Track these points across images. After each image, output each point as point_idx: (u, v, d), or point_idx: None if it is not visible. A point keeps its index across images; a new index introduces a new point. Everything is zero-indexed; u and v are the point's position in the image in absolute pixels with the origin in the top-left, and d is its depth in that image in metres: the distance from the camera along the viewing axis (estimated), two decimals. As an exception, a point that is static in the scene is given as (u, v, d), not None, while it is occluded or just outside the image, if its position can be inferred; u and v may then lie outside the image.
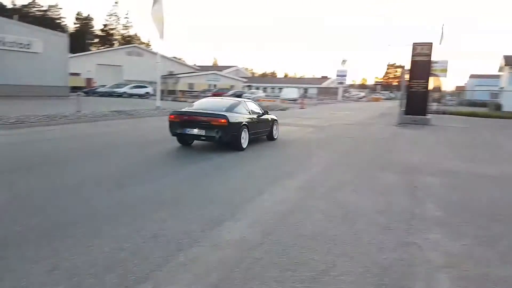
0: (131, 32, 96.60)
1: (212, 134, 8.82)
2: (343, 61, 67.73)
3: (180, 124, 9.15)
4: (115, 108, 19.83)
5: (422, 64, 20.31)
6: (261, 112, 10.86)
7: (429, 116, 20.59)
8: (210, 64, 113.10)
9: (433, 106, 30.27)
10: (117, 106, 21.33)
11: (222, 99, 12.05)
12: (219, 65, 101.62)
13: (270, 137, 11.52)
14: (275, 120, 11.78)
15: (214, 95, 45.75)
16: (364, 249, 3.78)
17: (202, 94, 40.42)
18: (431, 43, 20.67)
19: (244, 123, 9.38)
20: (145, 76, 49.10)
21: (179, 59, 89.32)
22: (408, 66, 21.11)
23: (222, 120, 8.73)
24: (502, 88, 36.34)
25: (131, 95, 41.27)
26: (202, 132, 8.96)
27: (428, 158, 9.44)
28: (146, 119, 17.57)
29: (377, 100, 72.54)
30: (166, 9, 23.01)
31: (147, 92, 43.13)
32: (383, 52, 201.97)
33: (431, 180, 6.97)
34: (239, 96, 46.03)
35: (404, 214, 4.92)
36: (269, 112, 11.77)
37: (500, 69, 38.45)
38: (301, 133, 13.96)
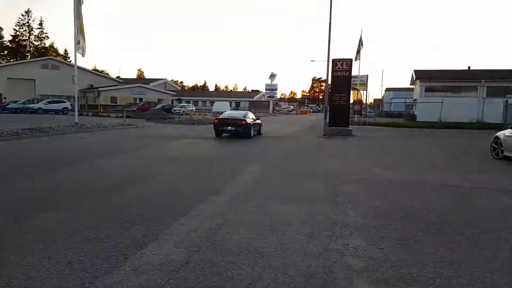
0: (47, 43, 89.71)
1: (238, 129, 16.80)
2: (272, 75, 69.75)
3: (221, 124, 17.21)
4: (28, 125, 18.39)
5: (343, 79, 21.64)
6: (255, 118, 18.57)
7: (351, 127, 21.89)
8: (135, 76, 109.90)
9: (355, 118, 32.29)
10: (31, 123, 19.81)
11: (238, 111, 22.16)
12: (146, 77, 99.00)
13: (259, 133, 19.00)
14: (261, 123, 19.61)
15: (140, 109, 44.27)
16: (289, 259, 3.85)
17: (127, 108, 38.83)
18: (351, 59, 22.17)
19: (251, 123, 17.19)
20: (63, 90, 46.11)
21: (101, 71, 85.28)
22: (330, 80, 22.34)
23: (243, 122, 16.85)
24: (415, 100, 39.82)
25: (47, 111, 38.38)
26: (233, 128, 16.93)
27: (350, 167, 9.97)
28: (64, 137, 16.50)
29: (305, 113, 75.54)
30: (87, 20, 21.92)
31: (65, 108, 40.42)
32: (308, 67, 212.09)
33: (352, 187, 7.35)
34: (168, 110, 45.08)
35: (327, 221, 5.11)
36: (255, 119, 18.59)
37: (412, 82, 42.13)
38: (232, 147, 14.02)
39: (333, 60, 21.48)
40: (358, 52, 36.63)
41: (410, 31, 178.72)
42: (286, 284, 3.32)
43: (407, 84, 49.24)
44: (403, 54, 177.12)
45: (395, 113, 52.02)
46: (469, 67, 40.38)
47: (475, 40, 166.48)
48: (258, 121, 18.77)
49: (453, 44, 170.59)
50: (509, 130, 11.20)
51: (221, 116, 18.09)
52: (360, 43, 36.90)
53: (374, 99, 78.57)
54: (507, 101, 28.26)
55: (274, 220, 5.12)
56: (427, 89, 36.31)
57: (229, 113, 19.48)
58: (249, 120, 17.10)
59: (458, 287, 3.36)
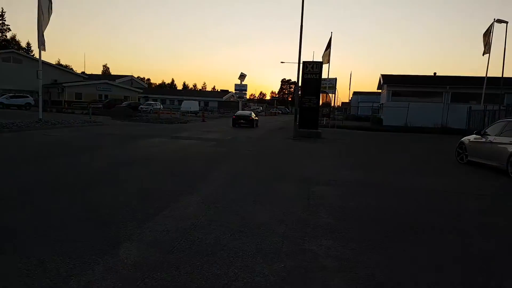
0: (8, 35, 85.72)
1: (247, 122, 27.88)
2: (241, 75, 69.75)
3: (237, 119, 28.21)
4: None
5: (313, 82, 21.94)
6: (255, 115, 29.78)
7: (320, 130, 22.25)
8: (100, 72, 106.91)
9: (323, 120, 32.86)
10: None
11: (245, 111, 33.89)
12: (111, 74, 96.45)
13: (256, 125, 28.86)
14: (257, 119, 30.04)
15: (106, 106, 42.92)
16: (264, 259, 3.89)
17: (94, 105, 37.70)
18: (321, 62, 22.57)
19: (254, 118, 28.66)
20: (25, 85, 44.18)
21: (65, 66, 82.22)
22: (300, 83, 22.61)
23: (251, 117, 28.39)
24: (382, 104, 40.99)
25: (8, 106, 36.77)
26: (243, 121, 27.95)
27: (320, 169, 10.15)
28: (27, 133, 15.84)
29: (274, 114, 76.04)
30: (53, 14, 21.11)
31: (27, 103, 38.82)
32: (278, 68, 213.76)
33: (323, 189, 7.49)
34: (135, 107, 44.09)
35: (300, 222, 5.19)
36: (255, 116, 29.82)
37: (379, 87, 43.34)
38: (202, 147, 13.91)
39: (304, 63, 21.74)
40: (327, 55, 37.24)
41: (378, 37, 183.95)
42: (263, 284, 3.35)
43: (374, 89, 50.72)
44: (371, 59, 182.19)
45: (362, 117, 53.38)
46: (435, 73, 42.08)
47: (440, 47, 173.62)
48: (256, 118, 30.01)
49: (420, 51, 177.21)
50: (473, 135, 11.72)
51: (236, 115, 29.34)
52: (329, 46, 37.53)
53: (342, 103, 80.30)
54: (470, 107, 29.56)
55: (247, 221, 5.14)
56: (394, 94, 37.46)
57: (240, 112, 31.12)
58: (253, 117, 28.89)
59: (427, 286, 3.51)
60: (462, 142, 12.11)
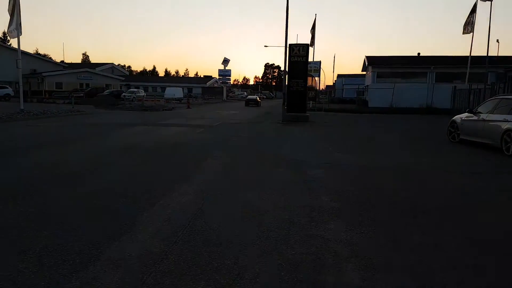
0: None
1: (255, 102, 46.46)
2: (225, 60, 68.91)
3: (248, 101, 48.04)
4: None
5: (300, 64, 21.71)
6: (260, 99, 52.16)
7: (308, 113, 22.15)
8: (80, 61, 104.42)
9: (309, 104, 32.77)
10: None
11: (252, 95, 58.43)
12: (91, 62, 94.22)
13: (260, 105, 46.37)
14: (260, 101, 49.98)
15: (88, 95, 41.88)
16: (274, 247, 3.75)
17: (75, 94, 36.67)
18: (307, 44, 22.27)
19: (258, 100, 48.43)
20: (2, 75, 42.75)
21: (44, 55, 79.91)
22: (285, 67, 22.37)
23: (257, 100, 48.60)
24: (367, 86, 41.06)
25: (-13, 97, 35.65)
26: (252, 102, 46.56)
27: (313, 152, 10.05)
28: (10, 125, 15.29)
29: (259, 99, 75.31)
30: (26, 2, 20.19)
31: (7, 94, 37.65)
32: (261, 52, 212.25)
33: (320, 173, 7.38)
34: (118, 95, 43.15)
35: (304, 208, 5.06)
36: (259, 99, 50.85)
37: (364, 69, 43.32)
38: (192, 134, 13.65)
39: (290, 45, 21.46)
40: (312, 37, 36.92)
41: (361, 19, 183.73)
42: (276, 274, 3.21)
43: (358, 71, 50.79)
44: (354, 41, 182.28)
45: (347, 99, 53.63)
46: (418, 54, 42.17)
47: (423, 28, 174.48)
48: (259, 100, 49.12)
49: (403, 31, 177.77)
50: (466, 114, 11.74)
51: (247, 98, 49.71)
52: (314, 28, 37.18)
53: (327, 86, 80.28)
54: (455, 86, 29.80)
55: (251, 209, 4.99)
56: (379, 75, 37.49)
57: (250, 97, 52.14)
58: (258, 100, 47.70)
59: (440, 273, 3.43)
60: (454, 121, 12.13)
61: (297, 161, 8.56)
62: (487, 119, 10.34)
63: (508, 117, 9.56)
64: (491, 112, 10.32)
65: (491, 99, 11.16)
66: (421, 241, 4.02)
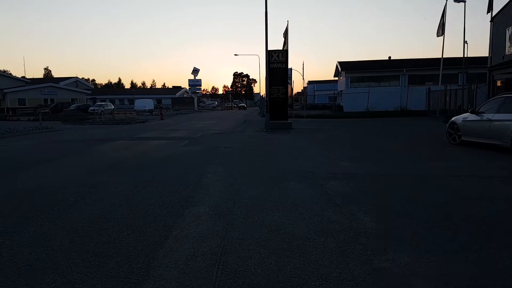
0: None
1: (242, 107, 79.04)
2: (194, 70, 67.85)
3: (240, 107, 78.70)
4: None
5: (280, 71, 21.19)
6: (244, 105, 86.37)
7: (290, 120, 21.59)
8: (42, 76, 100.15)
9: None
10: None
11: (240, 103, 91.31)
12: (54, 76, 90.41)
13: (245, 108, 77.12)
14: (245, 106, 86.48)
15: (54, 110, 39.70)
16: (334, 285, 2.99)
17: (41, 110, 34.58)
18: (286, 50, 21.77)
19: (244, 105, 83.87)
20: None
21: (4, 71, 75.95)
22: (257, 75, 21.85)
23: (243, 106, 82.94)
24: (341, 91, 41.18)
25: None
26: (243, 107, 78.80)
27: (315, 162, 9.38)
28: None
29: (231, 108, 74.90)
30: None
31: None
32: (230, 61, 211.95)
33: (336, 185, 6.68)
34: (85, 110, 41.19)
35: (346, 231, 4.31)
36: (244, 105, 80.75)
37: (337, 74, 43.53)
38: (177, 148, 12.66)
39: (269, 52, 20.87)
40: (284, 44, 36.63)
41: (328, 25, 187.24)
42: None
43: (328, 77, 51.06)
44: (320, 48, 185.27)
45: (319, 105, 53.79)
46: (389, 57, 42.85)
47: (393, 31, 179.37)
48: (244, 105, 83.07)
49: (373, 36, 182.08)
50: (467, 114, 11.39)
51: (239, 105, 79.51)
52: (286, 35, 36.92)
53: (297, 92, 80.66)
54: (429, 88, 30.19)
55: (283, 235, 4.21)
56: (352, 80, 37.70)
57: (240, 104, 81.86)
58: (244, 105, 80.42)
59: None
60: (454, 122, 11.77)
61: (305, 173, 7.84)
62: (493, 119, 10.00)
63: (518, 116, 9.27)
64: (497, 111, 9.99)
65: (493, 99, 10.86)
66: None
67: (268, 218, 4.82)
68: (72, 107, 43.13)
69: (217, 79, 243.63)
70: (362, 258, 3.59)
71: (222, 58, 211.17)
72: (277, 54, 21.21)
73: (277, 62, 21.13)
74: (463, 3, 23.86)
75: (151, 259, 3.60)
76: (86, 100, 58.77)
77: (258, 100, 72.56)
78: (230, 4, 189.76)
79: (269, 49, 20.62)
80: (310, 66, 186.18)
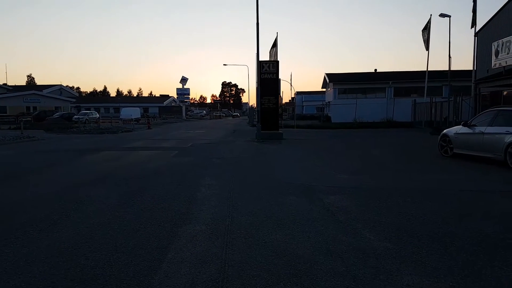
0: None
1: (235, 116, 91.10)
2: (183, 79, 67.46)
3: (234, 116, 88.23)
4: None
5: (271, 81, 21.02)
6: (238, 114, 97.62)
7: (281, 130, 21.39)
8: (25, 83, 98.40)
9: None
10: None
11: (235, 113, 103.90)
12: (37, 84, 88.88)
13: (238, 116, 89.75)
14: (239, 115, 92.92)
15: (36, 119, 38.80)
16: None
17: (23, 118, 33.72)
18: (277, 61, 21.67)
19: (237, 115, 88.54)
20: None
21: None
22: (246, 84, 21.66)
23: (238, 115, 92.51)
24: (329, 102, 41.30)
25: None
26: (236, 116, 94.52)
27: (312, 174, 9.14)
28: None
29: (219, 117, 74.62)
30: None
31: None
32: (218, 70, 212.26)
33: (337, 199, 6.42)
34: (69, 118, 40.35)
35: (354, 251, 4.03)
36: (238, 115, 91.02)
37: (324, 86, 43.70)
38: (167, 159, 12.26)
39: (260, 62, 20.71)
40: (273, 55, 36.62)
41: (316, 37, 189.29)
42: None
43: (316, 88, 51.28)
44: (310, 59, 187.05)
45: (308, 115, 53.94)
46: (375, 70, 43.28)
47: (379, 44, 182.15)
48: (238, 115, 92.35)
49: (359, 49, 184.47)
50: (459, 126, 11.32)
51: (233, 114, 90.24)
52: (275, 46, 36.95)
53: (285, 102, 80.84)
54: (415, 100, 30.44)
55: (289, 256, 3.90)
56: (340, 91, 37.85)
57: (234, 114, 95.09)
58: (238, 115, 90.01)
59: None
60: (446, 135, 11.68)
61: (303, 186, 7.56)
62: (486, 132, 9.92)
63: (511, 129, 9.19)
64: (490, 124, 9.93)
65: (486, 112, 10.83)
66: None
67: (270, 237, 4.51)
68: (56, 115, 42.21)
69: (206, 88, 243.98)
70: (376, 283, 3.30)
71: (211, 67, 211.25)
72: (268, 64, 21.06)
73: (268, 73, 20.96)
74: (448, 17, 24.14)
75: (147, 284, 3.25)
76: (71, 108, 57.78)
77: (246, 110, 72.35)
78: (219, 14, 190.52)
79: (260, 59, 20.47)
80: (298, 77, 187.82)
